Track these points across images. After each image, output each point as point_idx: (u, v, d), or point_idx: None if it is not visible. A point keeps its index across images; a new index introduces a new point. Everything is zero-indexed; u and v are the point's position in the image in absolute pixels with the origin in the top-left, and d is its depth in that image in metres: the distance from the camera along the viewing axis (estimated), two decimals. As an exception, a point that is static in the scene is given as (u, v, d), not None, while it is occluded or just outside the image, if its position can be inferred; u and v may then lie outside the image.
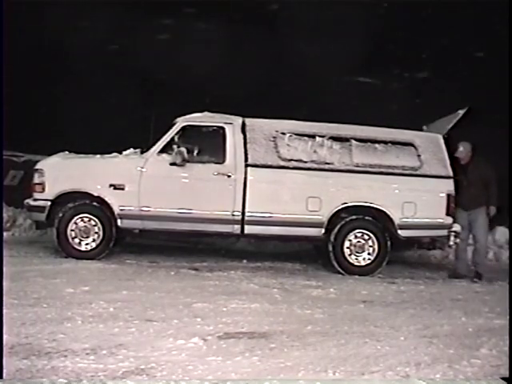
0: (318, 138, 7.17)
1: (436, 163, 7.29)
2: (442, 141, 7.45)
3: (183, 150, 6.78)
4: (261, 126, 7.18)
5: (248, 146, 7.02)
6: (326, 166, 7.10)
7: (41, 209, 6.83)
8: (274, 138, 7.11)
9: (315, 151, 7.12)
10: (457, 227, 7.16)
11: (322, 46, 10.23)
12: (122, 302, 4.69)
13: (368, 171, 7.14)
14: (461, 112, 7.66)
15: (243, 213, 6.92)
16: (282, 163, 7.03)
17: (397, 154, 7.26)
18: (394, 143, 7.32)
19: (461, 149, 7.36)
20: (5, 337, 3.06)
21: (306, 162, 7.08)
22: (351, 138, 7.24)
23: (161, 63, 10.77)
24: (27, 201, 7.03)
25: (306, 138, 7.16)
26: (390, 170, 7.19)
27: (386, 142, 7.29)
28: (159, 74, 10.78)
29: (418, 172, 7.24)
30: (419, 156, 7.30)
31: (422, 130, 8.04)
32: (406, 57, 10.82)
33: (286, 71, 10.92)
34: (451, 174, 7.26)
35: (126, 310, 4.45)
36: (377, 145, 7.26)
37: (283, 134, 7.14)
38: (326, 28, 10.35)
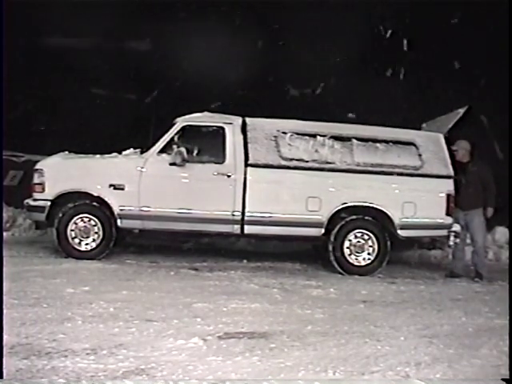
0: (319, 138, 7.16)
1: (437, 162, 7.28)
2: (442, 140, 7.45)
3: (183, 150, 6.77)
4: (262, 125, 7.17)
5: (249, 145, 7.01)
6: (328, 166, 7.09)
7: (41, 209, 6.82)
8: (276, 137, 7.10)
9: (316, 150, 7.11)
10: (456, 227, 7.16)
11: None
12: (122, 302, 4.69)
13: (369, 170, 7.14)
14: (461, 111, 7.65)
15: (243, 213, 6.92)
16: (284, 163, 7.03)
17: (398, 154, 7.26)
18: (395, 142, 7.31)
19: (461, 146, 7.36)
20: (5, 337, 3.06)
21: (307, 161, 7.07)
22: (352, 138, 7.23)
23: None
24: (27, 201, 7.02)
25: (307, 137, 7.15)
26: (391, 170, 7.18)
27: (387, 142, 7.29)
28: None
29: (419, 171, 7.23)
30: (420, 155, 7.29)
31: (421, 128, 8.03)
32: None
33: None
34: (452, 173, 7.26)
35: (126, 310, 4.45)
36: (378, 144, 7.25)
37: (284, 133, 7.13)
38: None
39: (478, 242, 7.36)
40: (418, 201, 7.10)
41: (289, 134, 7.13)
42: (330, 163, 7.10)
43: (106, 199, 6.81)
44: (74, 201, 6.82)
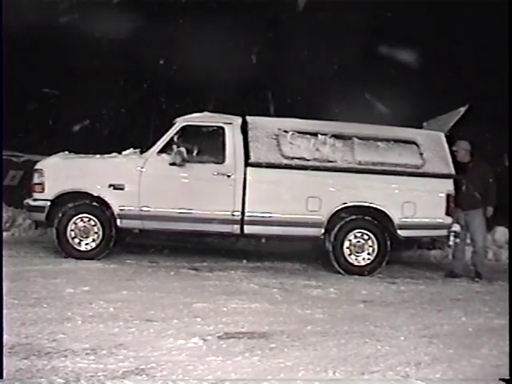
0: (320, 136, 7.16)
1: (438, 161, 7.28)
2: (444, 139, 7.45)
3: (183, 149, 6.78)
4: (263, 124, 7.17)
5: (250, 144, 7.01)
6: (329, 164, 7.09)
7: (40, 209, 6.82)
8: (277, 135, 7.10)
9: (318, 149, 7.11)
10: (456, 227, 7.16)
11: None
12: (122, 302, 4.69)
13: (370, 169, 7.12)
14: (462, 110, 7.64)
15: (243, 213, 6.92)
16: (285, 161, 7.02)
17: (399, 152, 7.25)
18: (397, 141, 7.30)
19: (461, 146, 7.36)
20: (5, 337, 3.06)
21: (308, 160, 7.07)
22: (353, 136, 7.23)
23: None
24: (27, 201, 7.02)
25: (308, 135, 7.15)
26: (393, 168, 7.17)
27: (388, 140, 7.28)
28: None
29: (420, 170, 7.22)
30: (421, 154, 7.28)
31: (422, 127, 8.03)
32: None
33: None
34: (453, 172, 7.25)
35: (126, 310, 4.45)
36: (379, 143, 7.24)
37: (286, 132, 7.13)
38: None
39: (478, 242, 7.36)
40: (418, 201, 7.10)
41: (290, 133, 7.13)
42: (331, 162, 7.10)
43: (106, 199, 6.81)
44: (74, 201, 6.81)
